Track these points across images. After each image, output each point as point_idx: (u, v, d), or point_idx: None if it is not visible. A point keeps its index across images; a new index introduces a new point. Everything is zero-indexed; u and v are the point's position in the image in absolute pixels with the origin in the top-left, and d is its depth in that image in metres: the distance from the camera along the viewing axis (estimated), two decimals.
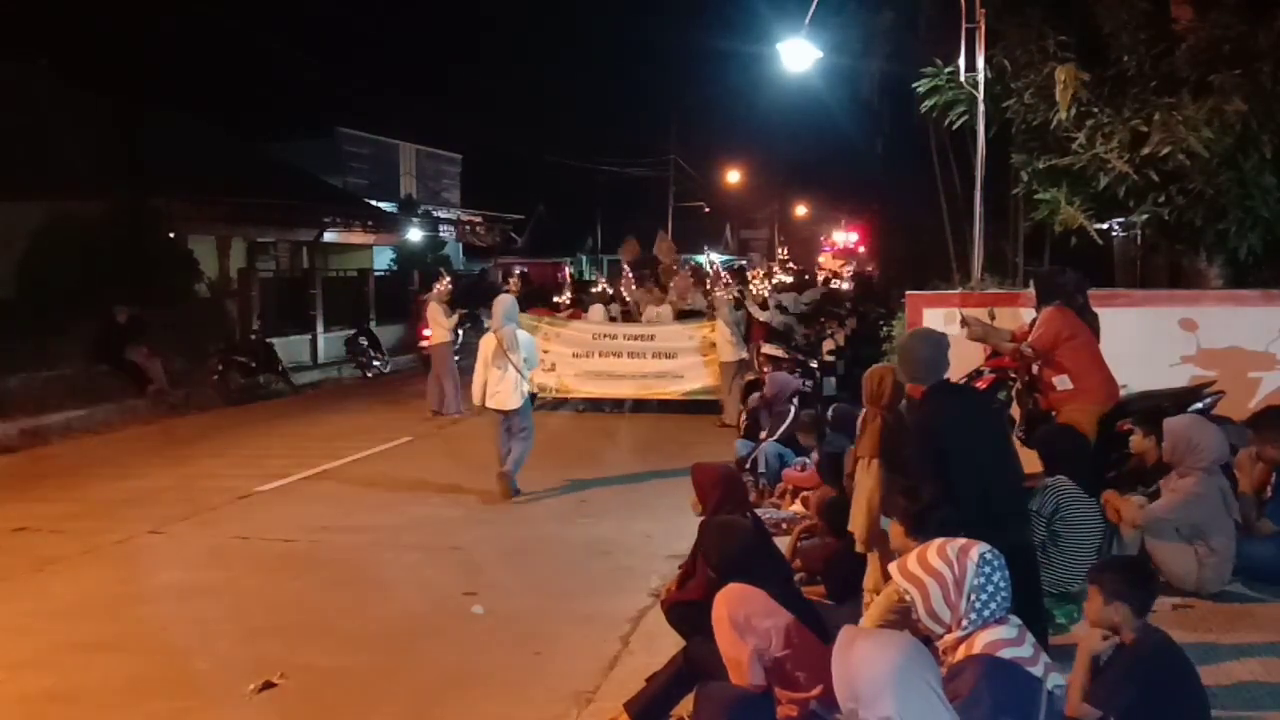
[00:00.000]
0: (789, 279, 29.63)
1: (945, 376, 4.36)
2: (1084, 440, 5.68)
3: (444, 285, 14.04)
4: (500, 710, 4.59)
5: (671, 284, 16.05)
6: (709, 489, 4.84)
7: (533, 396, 8.99)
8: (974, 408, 4.61)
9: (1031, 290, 6.78)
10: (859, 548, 4.86)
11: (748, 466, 8.40)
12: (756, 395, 10.07)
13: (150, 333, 14.90)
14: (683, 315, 14.28)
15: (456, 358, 13.84)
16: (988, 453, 4.15)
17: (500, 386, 8.56)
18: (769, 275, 27.04)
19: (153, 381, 14.25)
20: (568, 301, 16.62)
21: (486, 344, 8.68)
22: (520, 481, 8.78)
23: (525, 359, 8.63)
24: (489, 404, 8.65)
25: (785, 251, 50.59)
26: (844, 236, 50.74)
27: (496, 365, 8.57)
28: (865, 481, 4.84)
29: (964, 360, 7.80)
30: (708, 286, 16.69)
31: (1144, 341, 7.57)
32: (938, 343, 4.40)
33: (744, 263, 26.40)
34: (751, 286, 17.17)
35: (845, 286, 28.79)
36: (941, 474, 3.97)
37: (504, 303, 9.01)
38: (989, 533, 3.35)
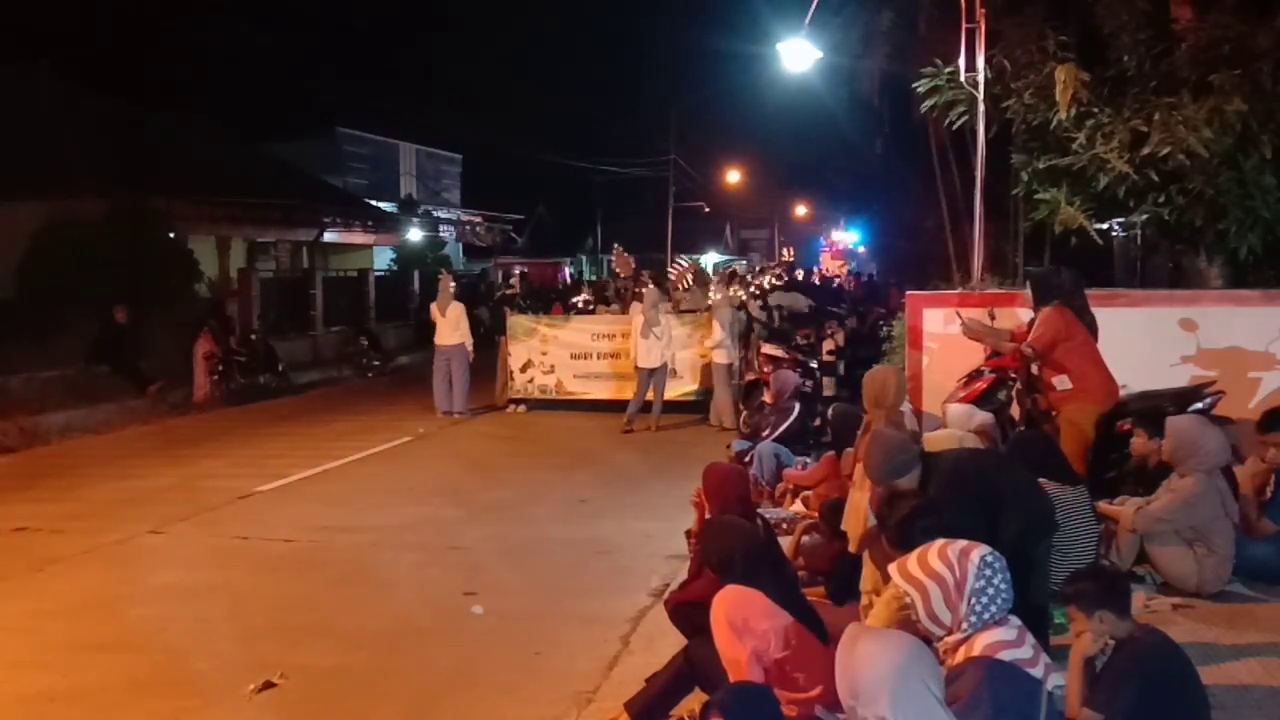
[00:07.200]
0: (779, 282, 29.52)
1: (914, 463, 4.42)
2: (1051, 442, 5.68)
3: (450, 283, 13.85)
4: (500, 710, 4.59)
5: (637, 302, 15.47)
6: (716, 490, 4.83)
7: (664, 365, 12.31)
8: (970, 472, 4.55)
9: (1029, 291, 6.78)
10: (850, 548, 4.86)
11: (745, 462, 8.39)
12: (760, 395, 10.03)
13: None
14: (681, 314, 14.17)
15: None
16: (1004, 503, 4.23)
17: (646, 351, 12.04)
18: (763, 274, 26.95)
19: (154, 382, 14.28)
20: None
21: (637, 322, 12.26)
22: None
23: (664, 330, 12.24)
24: (639, 363, 12.10)
25: (790, 253, 50.24)
26: (843, 236, 50.64)
27: (643, 336, 12.01)
28: (862, 484, 4.84)
29: (964, 360, 7.83)
30: (688, 286, 16.47)
31: (1144, 341, 7.56)
32: (889, 443, 4.51)
33: (744, 262, 26.35)
34: (761, 281, 17.05)
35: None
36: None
37: (652, 294, 12.82)
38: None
